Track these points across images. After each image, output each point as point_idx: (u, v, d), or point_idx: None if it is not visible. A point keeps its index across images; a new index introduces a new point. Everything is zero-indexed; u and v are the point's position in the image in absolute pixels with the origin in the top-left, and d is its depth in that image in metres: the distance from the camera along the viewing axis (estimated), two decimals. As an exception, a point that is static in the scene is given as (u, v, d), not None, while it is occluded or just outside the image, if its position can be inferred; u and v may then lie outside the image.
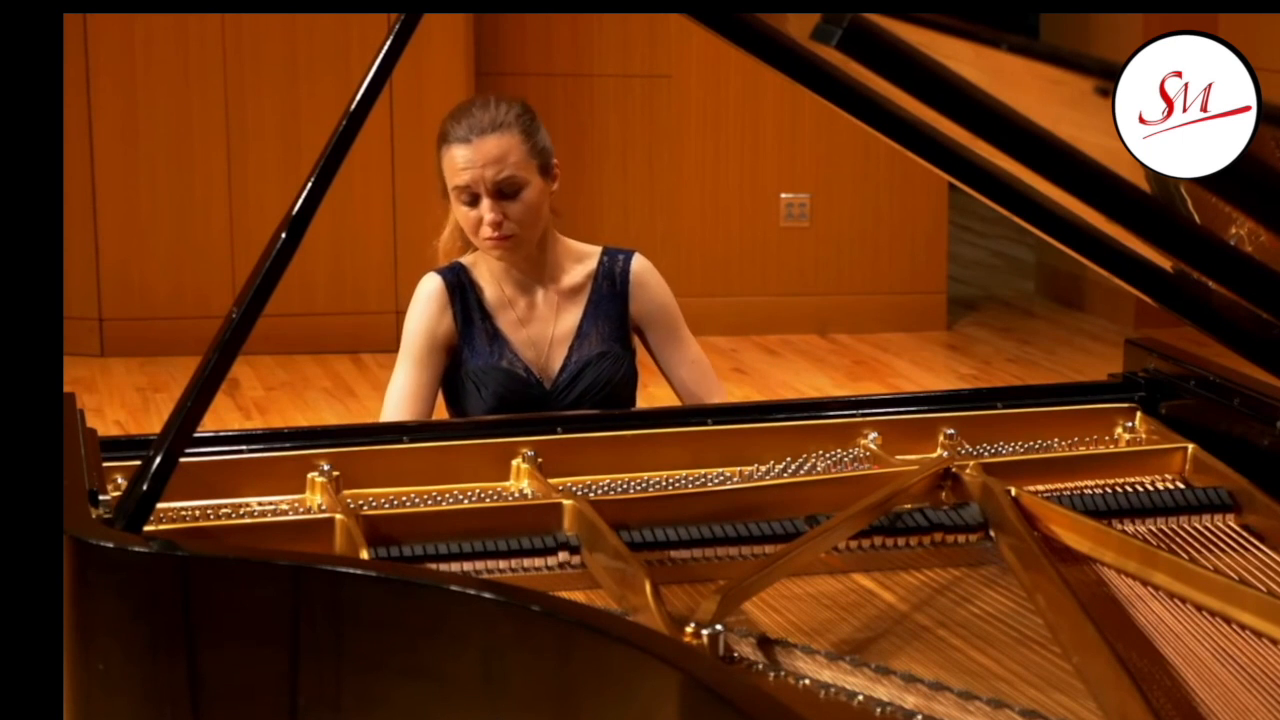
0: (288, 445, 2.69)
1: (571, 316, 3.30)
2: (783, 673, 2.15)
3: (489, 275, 3.31)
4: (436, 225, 3.42)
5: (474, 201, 3.21)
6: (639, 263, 3.34)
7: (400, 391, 3.26)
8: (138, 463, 2.33)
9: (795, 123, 7.44)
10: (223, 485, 2.60)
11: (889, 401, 2.92)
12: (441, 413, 3.35)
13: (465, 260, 3.34)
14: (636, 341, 3.37)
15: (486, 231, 3.21)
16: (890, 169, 7.44)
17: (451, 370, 3.29)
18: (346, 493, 2.61)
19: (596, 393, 3.27)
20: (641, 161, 7.47)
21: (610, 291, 3.31)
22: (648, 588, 2.23)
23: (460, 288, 3.29)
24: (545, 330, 3.29)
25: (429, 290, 3.30)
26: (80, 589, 2.18)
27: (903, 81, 2.04)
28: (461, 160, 3.20)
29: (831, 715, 2.06)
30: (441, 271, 3.32)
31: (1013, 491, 2.57)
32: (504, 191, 3.20)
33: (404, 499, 2.59)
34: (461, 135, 3.21)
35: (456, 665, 2.03)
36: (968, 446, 2.80)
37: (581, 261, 3.34)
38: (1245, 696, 2.10)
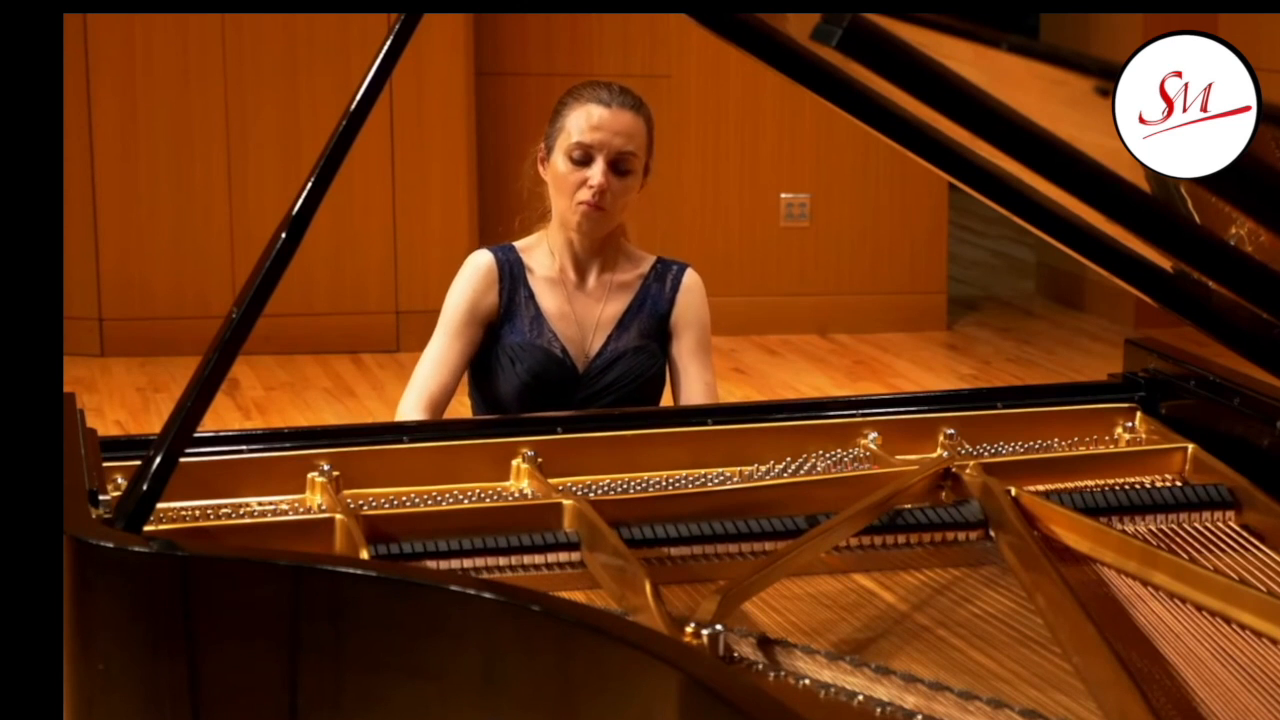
0: (288, 445, 2.69)
1: (617, 305, 3.35)
2: (783, 673, 2.15)
3: (545, 256, 3.35)
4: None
5: (586, 162, 3.26)
6: (693, 275, 3.41)
7: (433, 359, 3.29)
8: (138, 463, 2.33)
9: (795, 123, 7.44)
10: (223, 485, 2.60)
11: (889, 401, 2.93)
12: (462, 394, 3.36)
13: (519, 243, 3.38)
14: None
15: (585, 195, 3.26)
16: (890, 169, 7.44)
17: (487, 345, 3.32)
18: (346, 493, 2.61)
19: (626, 385, 3.30)
20: (641, 161, 7.45)
21: (659, 292, 3.37)
22: (648, 587, 2.23)
23: (510, 266, 3.33)
24: (590, 313, 3.34)
25: (480, 264, 3.34)
26: (80, 589, 2.18)
27: (903, 81, 2.04)
28: (597, 119, 3.27)
29: (831, 715, 2.06)
30: (493, 249, 3.37)
31: (1013, 491, 2.57)
32: (618, 166, 3.27)
33: (404, 499, 2.59)
34: (604, 99, 3.29)
35: (456, 665, 2.03)
36: (968, 446, 2.80)
37: (636, 263, 3.40)
38: (1245, 696, 2.10)
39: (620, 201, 3.29)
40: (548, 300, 3.32)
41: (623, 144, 3.26)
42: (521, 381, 3.26)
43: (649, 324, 3.35)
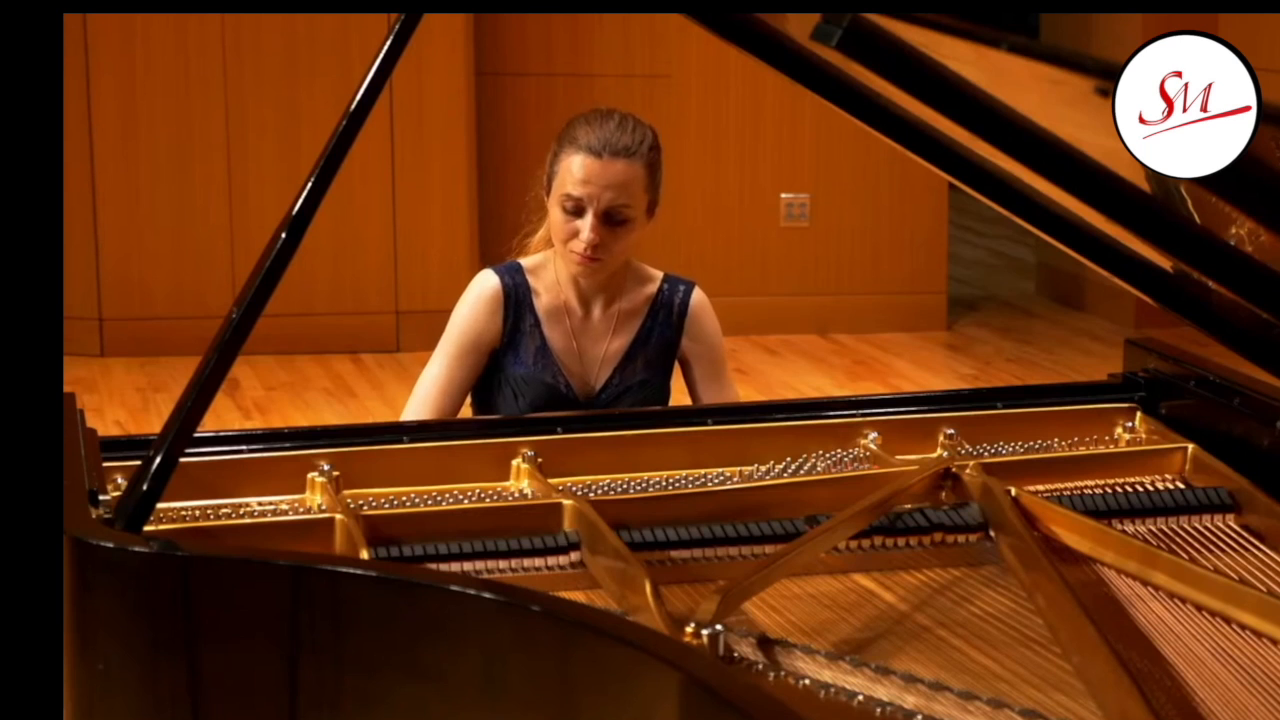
0: (288, 445, 2.69)
1: (623, 338, 3.27)
2: (783, 673, 2.15)
3: (551, 281, 3.26)
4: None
5: (578, 212, 3.14)
6: (698, 297, 3.31)
7: (433, 383, 3.22)
8: (138, 463, 2.33)
9: (795, 123, 7.44)
10: (223, 485, 2.60)
11: (889, 401, 2.92)
12: (466, 413, 3.33)
13: (526, 262, 3.28)
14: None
15: (578, 246, 3.14)
16: (890, 169, 7.44)
17: (490, 371, 3.26)
18: (346, 493, 2.61)
19: None
20: (641, 161, 7.45)
21: (665, 320, 3.28)
22: (648, 588, 2.23)
23: (516, 291, 3.23)
24: (596, 347, 3.26)
25: (485, 290, 3.24)
26: (80, 589, 2.18)
27: (903, 81, 2.04)
28: (584, 172, 3.13)
29: (831, 715, 2.06)
30: (499, 271, 3.26)
31: (1013, 491, 2.57)
32: (612, 217, 3.15)
33: (404, 499, 2.59)
34: (594, 147, 3.14)
35: (456, 665, 2.03)
36: (968, 446, 2.80)
37: (643, 285, 3.30)
38: (1245, 696, 2.10)
39: (616, 248, 3.17)
40: (552, 331, 3.23)
41: (613, 198, 3.13)
42: (523, 413, 3.19)
43: (655, 355, 3.27)
